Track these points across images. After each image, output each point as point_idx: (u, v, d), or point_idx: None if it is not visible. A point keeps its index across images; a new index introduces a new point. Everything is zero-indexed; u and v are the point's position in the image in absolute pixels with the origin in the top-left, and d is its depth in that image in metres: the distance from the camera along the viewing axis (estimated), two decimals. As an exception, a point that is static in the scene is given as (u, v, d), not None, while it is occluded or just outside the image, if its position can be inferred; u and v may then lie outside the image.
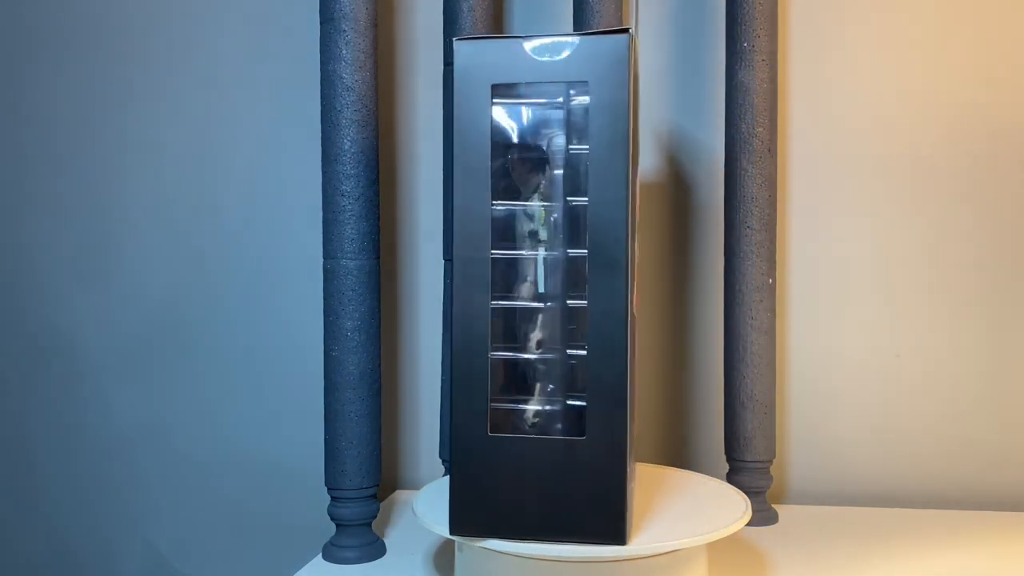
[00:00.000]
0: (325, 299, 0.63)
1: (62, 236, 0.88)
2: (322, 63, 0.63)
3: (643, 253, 0.78)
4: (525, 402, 0.53)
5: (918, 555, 0.61)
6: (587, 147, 0.48)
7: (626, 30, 0.48)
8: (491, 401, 0.49)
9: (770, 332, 0.69)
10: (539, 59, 0.49)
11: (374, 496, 0.64)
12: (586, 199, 0.49)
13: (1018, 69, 0.74)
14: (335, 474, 0.62)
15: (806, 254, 0.77)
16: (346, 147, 0.63)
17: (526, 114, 0.52)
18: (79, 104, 0.87)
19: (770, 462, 0.69)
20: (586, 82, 0.48)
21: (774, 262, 0.69)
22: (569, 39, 0.49)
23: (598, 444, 0.47)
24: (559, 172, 0.53)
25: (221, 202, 0.84)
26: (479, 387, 0.49)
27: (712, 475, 0.64)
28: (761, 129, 0.68)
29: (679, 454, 0.79)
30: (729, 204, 0.70)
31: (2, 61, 0.88)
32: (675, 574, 0.50)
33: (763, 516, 0.69)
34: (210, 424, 0.86)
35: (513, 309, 0.53)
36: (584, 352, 0.48)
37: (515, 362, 0.53)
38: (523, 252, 0.53)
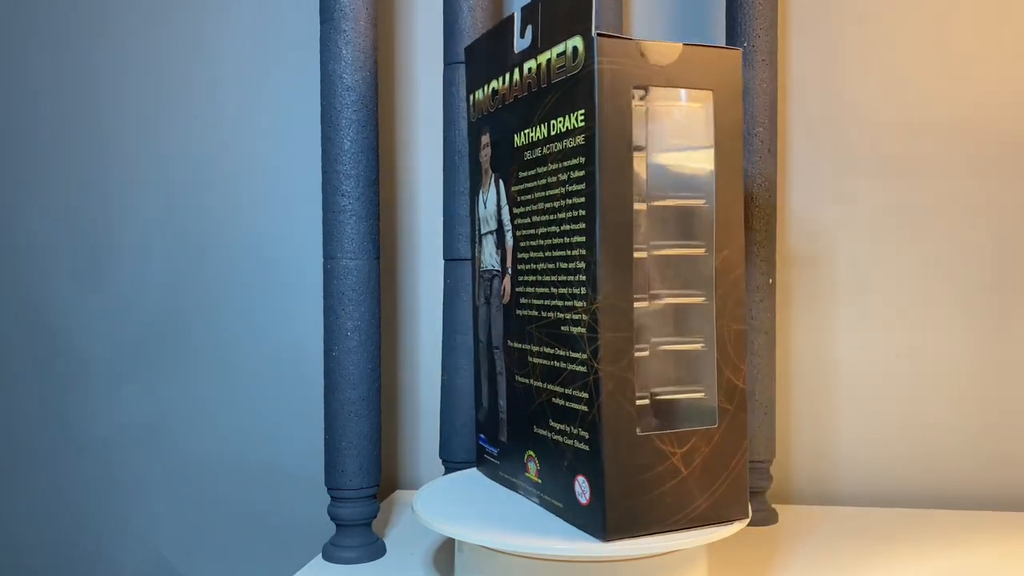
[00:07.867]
0: (325, 299, 0.63)
1: (60, 236, 0.88)
2: (322, 63, 0.63)
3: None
4: None
5: (918, 555, 0.61)
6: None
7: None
8: None
9: (770, 332, 0.69)
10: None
11: (374, 496, 0.64)
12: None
13: (1021, 69, 0.74)
14: (335, 474, 0.62)
15: (806, 254, 0.77)
16: (346, 147, 0.62)
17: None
18: (76, 104, 0.87)
19: (770, 462, 0.69)
20: None
21: (774, 262, 0.69)
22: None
23: None
24: None
25: (220, 202, 0.84)
26: None
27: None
28: (761, 129, 0.68)
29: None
30: (729, 204, 0.69)
31: None
32: (675, 574, 0.50)
33: (763, 516, 0.69)
34: (210, 424, 0.86)
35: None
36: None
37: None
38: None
